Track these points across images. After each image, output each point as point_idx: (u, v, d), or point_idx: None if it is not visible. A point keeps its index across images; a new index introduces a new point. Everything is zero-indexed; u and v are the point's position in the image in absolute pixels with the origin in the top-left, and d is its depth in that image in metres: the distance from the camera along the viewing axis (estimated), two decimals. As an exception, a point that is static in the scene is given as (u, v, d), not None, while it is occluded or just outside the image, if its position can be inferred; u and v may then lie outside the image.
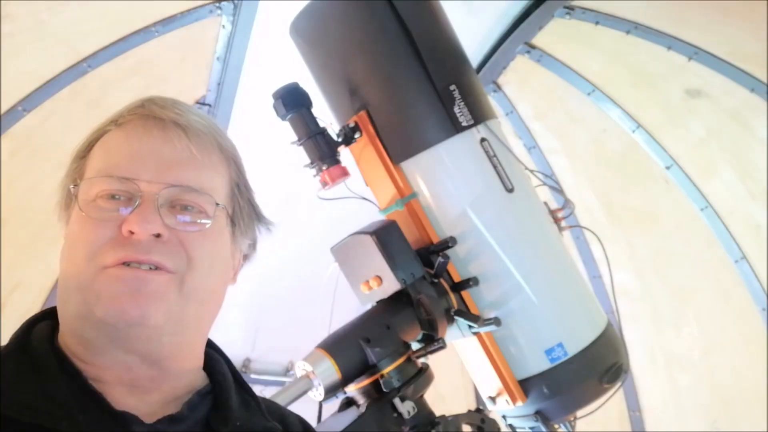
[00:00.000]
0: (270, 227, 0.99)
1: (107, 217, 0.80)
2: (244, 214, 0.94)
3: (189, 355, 0.88)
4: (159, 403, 0.82)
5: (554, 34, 2.90)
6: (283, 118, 1.67)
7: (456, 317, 1.61)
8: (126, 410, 0.77)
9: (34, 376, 0.76)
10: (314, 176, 1.69)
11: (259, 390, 0.99)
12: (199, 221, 0.84)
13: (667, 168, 2.98)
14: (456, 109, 1.65)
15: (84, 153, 0.88)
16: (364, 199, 1.77)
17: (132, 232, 0.79)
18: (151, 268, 0.79)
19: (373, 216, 1.75)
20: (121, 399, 0.79)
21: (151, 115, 0.86)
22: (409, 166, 1.70)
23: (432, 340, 1.58)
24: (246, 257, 0.98)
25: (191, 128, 0.86)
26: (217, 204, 0.86)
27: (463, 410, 1.62)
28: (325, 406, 1.51)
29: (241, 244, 0.94)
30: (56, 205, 0.90)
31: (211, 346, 0.95)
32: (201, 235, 0.84)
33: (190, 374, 0.88)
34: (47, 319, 0.86)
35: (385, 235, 1.57)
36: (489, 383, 1.70)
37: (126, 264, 0.78)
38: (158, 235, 0.80)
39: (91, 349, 0.80)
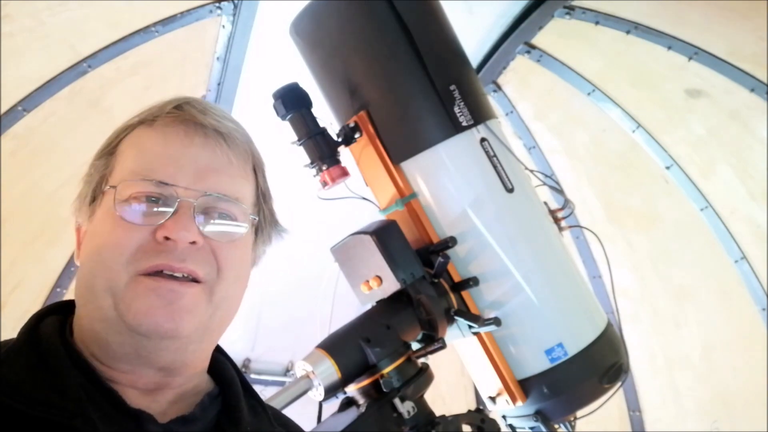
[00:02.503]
0: (283, 234, 0.99)
1: (143, 221, 0.79)
2: (266, 222, 0.94)
3: (203, 359, 0.88)
4: (169, 403, 0.83)
5: (554, 34, 2.91)
6: (283, 118, 1.68)
7: (456, 317, 1.61)
8: (141, 408, 0.77)
9: (45, 371, 0.75)
10: (314, 176, 1.69)
11: (259, 390, 0.99)
12: (232, 231, 0.85)
13: (667, 168, 2.98)
14: (456, 109, 1.65)
15: (112, 149, 0.87)
16: (364, 199, 1.77)
17: (167, 238, 0.78)
18: (184, 276, 0.79)
19: (373, 216, 1.75)
20: (134, 399, 0.78)
21: (192, 120, 0.85)
22: (409, 166, 1.69)
23: (432, 340, 1.58)
24: (255, 263, 0.98)
25: (230, 136, 0.86)
26: (250, 215, 0.87)
27: (463, 410, 1.62)
28: (325, 406, 1.51)
29: (259, 250, 0.95)
30: (77, 199, 0.88)
31: (217, 349, 0.94)
32: (232, 245, 0.85)
33: (199, 376, 0.88)
34: (54, 314, 0.86)
35: (385, 235, 1.57)
36: (489, 383, 1.70)
37: (159, 273, 0.78)
38: (193, 242, 0.80)
39: (111, 353, 0.79)
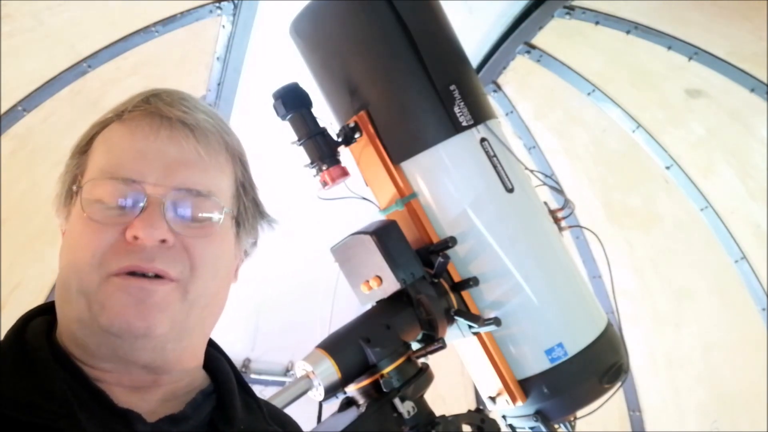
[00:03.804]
0: (273, 224, 0.98)
1: (111, 221, 0.78)
2: (249, 213, 0.92)
3: (191, 356, 0.87)
4: (159, 402, 0.82)
5: (554, 34, 2.90)
6: (283, 118, 1.67)
7: (456, 317, 1.61)
8: (129, 408, 0.76)
9: (30, 373, 0.74)
10: (314, 176, 1.69)
11: (259, 390, 0.98)
12: (204, 227, 0.82)
13: (667, 168, 2.98)
14: (456, 109, 1.65)
15: (85, 147, 0.86)
16: (364, 199, 1.77)
17: (137, 237, 0.77)
18: (155, 276, 0.77)
19: (373, 216, 1.75)
20: (122, 397, 0.78)
21: (158, 112, 0.83)
22: (409, 166, 1.69)
23: (432, 340, 1.58)
24: (247, 253, 0.97)
25: (199, 128, 0.84)
26: (224, 209, 0.85)
27: (463, 410, 1.62)
28: (325, 406, 1.51)
29: (245, 242, 0.94)
30: (55, 199, 0.88)
31: (212, 345, 0.94)
32: (206, 241, 0.82)
33: (191, 373, 0.87)
34: (43, 314, 0.85)
35: (385, 235, 1.57)
36: (489, 383, 1.70)
37: (130, 273, 0.77)
38: (163, 240, 0.78)
39: (90, 354, 0.79)
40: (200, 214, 0.82)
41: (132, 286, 0.76)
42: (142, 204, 0.78)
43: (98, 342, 0.78)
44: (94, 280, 0.77)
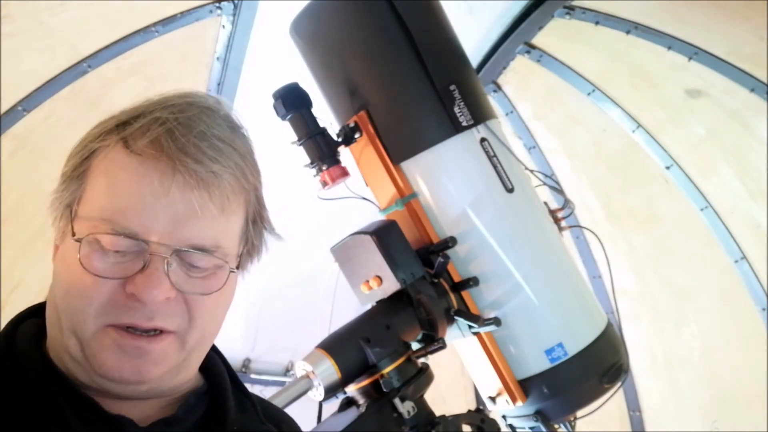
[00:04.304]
0: (278, 238, 0.93)
1: (110, 272, 0.74)
2: (255, 250, 0.88)
3: (185, 380, 0.85)
4: (154, 408, 0.81)
5: (554, 34, 2.90)
6: (283, 118, 1.67)
7: (456, 317, 1.61)
8: (120, 414, 0.76)
9: (20, 379, 0.73)
10: (314, 176, 1.69)
11: (259, 390, 0.98)
12: (207, 280, 0.79)
13: (667, 168, 2.98)
14: (456, 109, 1.65)
15: (84, 167, 0.79)
16: (364, 199, 1.77)
17: (136, 295, 0.73)
18: (153, 332, 0.75)
19: (373, 216, 1.75)
20: (113, 405, 0.77)
21: (170, 160, 0.74)
22: (409, 166, 1.69)
23: (432, 340, 1.58)
24: (249, 271, 0.93)
25: (215, 183, 0.76)
26: (230, 269, 0.81)
27: (463, 410, 1.62)
28: (325, 406, 1.51)
29: (248, 266, 0.90)
30: (49, 211, 0.82)
31: None
32: (208, 297, 0.79)
33: (186, 383, 0.86)
34: (33, 316, 0.84)
35: (385, 235, 1.57)
36: (489, 383, 1.70)
37: (128, 327, 0.74)
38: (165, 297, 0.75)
39: (79, 381, 0.77)
40: (204, 272, 0.78)
41: (128, 344, 0.74)
42: (144, 259, 0.74)
43: (89, 378, 0.76)
44: (89, 328, 0.74)
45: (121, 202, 0.74)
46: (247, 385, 0.96)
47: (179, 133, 0.76)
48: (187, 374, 0.85)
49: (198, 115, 0.79)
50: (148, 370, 0.75)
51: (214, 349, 0.94)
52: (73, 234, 0.76)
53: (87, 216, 0.76)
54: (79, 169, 0.79)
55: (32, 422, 0.70)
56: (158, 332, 0.75)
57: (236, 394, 0.90)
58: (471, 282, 1.63)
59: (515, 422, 1.75)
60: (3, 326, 0.84)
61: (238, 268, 0.84)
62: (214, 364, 0.91)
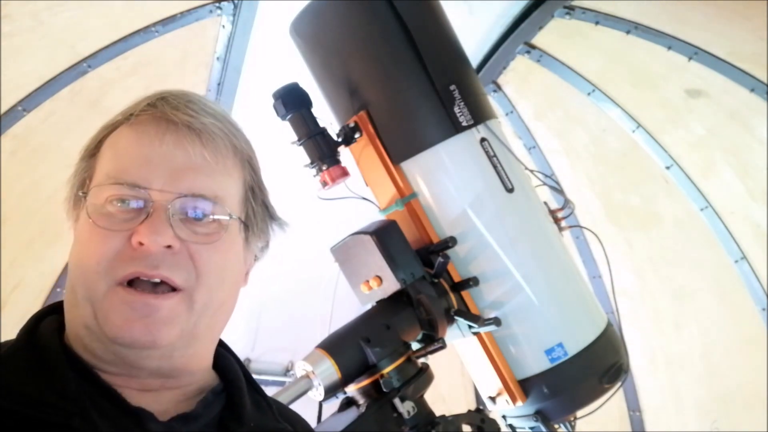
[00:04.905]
0: (284, 227, 0.96)
1: (117, 227, 0.77)
2: (258, 217, 0.91)
3: (199, 360, 0.87)
4: (171, 402, 0.82)
5: (554, 34, 2.91)
6: (283, 118, 1.68)
7: (456, 317, 1.62)
8: (141, 407, 0.77)
9: (43, 371, 0.75)
10: (314, 176, 1.69)
11: (258, 390, 0.98)
12: (211, 233, 0.81)
13: (667, 168, 2.98)
14: (456, 109, 1.65)
15: (94, 151, 0.85)
16: (364, 199, 1.77)
17: (142, 243, 0.76)
18: (161, 283, 0.77)
19: (373, 216, 1.75)
20: (134, 397, 0.78)
21: (164, 117, 0.82)
22: (409, 166, 1.70)
23: (432, 340, 1.58)
24: (257, 257, 0.96)
25: (205, 132, 0.82)
26: (231, 216, 0.84)
27: (463, 410, 1.62)
28: (325, 406, 1.51)
29: (254, 246, 0.93)
30: (64, 202, 0.87)
31: (221, 344, 0.94)
32: (212, 248, 0.81)
33: (201, 374, 0.88)
34: (54, 314, 0.85)
35: (385, 235, 1.57)
36: (489, 383, 1.71)
37: (137, 279, 0.76)
38: (169, 246, 0.77)
39: (98, 359, 0.79)
40: (206, 220, 0.81)
41: (137, 301, 0.76)
42: (147, 210, 0.77)
43: (105, 348, 0.78)
44: (100, 289, 0.76)
45: (124, 161, 0.81)
46: (247, 385, 0.95)
47: (172, 98, 0.84)
48: (198, 351, 0.85)
49: (193, 94, 0.88)
50: (158, 329, 0.76)
51: (227, 349, 0.95)
52: (85, 198, 0.81)
53: (96, 184, 0.82)
54: (91, 152, 0.86)
55: (55, 413, 0.70)
56: (166, 290, 0.77)
57: (251, 392, 0.92)
58: (471, 282, 1.63)
59: (515, 422, 1.75)
60: (6, 325, 0.85)
61: (246, 235, 0.88)
62: (228, 362, 0.92)
